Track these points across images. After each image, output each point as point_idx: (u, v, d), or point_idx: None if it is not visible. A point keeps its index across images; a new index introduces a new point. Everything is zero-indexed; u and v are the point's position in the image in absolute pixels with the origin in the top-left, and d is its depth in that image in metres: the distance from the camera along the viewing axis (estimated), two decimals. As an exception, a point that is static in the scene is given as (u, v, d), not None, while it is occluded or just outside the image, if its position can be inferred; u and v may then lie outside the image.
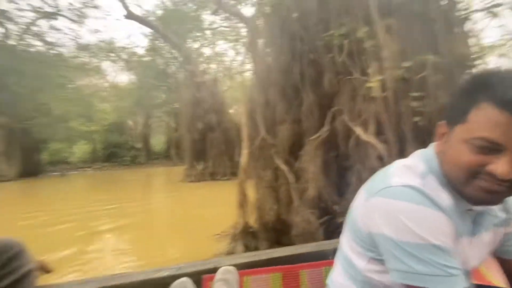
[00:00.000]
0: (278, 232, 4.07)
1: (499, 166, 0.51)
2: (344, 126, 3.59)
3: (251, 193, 4.16)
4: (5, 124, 13.87)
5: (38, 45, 17.21)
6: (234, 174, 14.57)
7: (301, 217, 3.57)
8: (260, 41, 4.64)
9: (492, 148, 0.51)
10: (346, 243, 0.69)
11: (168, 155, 26.96)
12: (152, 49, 23.55)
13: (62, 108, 17.82)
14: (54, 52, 17.82)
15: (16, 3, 15.41)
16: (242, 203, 4.03)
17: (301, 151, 3.94)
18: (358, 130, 3.40)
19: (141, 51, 23.73)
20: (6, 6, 15.59)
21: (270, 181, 4.01)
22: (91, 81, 25.77)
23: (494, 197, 0.54)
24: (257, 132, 4.15)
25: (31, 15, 16.17)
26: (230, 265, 0.88)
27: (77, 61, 19.84)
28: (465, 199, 0.58)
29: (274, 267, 0.94)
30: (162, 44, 23.22)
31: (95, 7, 16.86)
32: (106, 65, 24.66)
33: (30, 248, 0.80)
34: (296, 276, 0.94)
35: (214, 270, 0.88)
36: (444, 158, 0.59)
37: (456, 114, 0.57)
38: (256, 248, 4.05)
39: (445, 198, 0.57)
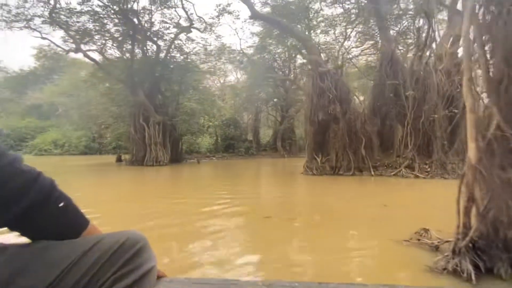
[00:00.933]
0: (527, 254, 2.99)
1: None
2: None
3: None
4: (161, 121, 17.39)
5: (178, 56, 20.82)
6: (358, 169, 13.32)
7: None
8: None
9: None
10: None
11: (275, 147, 28.12)
12: (262, 47, 24.69)
13: (193, 107, 21.15)
14: (188, 60, 21.17)
15: (166, 23, 18.95)
16: (468, 209, 3.16)
17: None
18: None
19: (250, 50, 25.24)
20: (158, 26, 19.43)
21: (515, 185, 2.96)
22: (208, 82, 29.56)
23: None
24: (490, 119, 3.14)
25: (174, 30, 19.56)
26: None
27: (204, 65, 23.03)
28: None
29: None
30: (270, 40, 24.05)
31: (229, 12, 18.93)
32: (224, 66, 27.63)
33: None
34: None
35: None
36: None
37: None
38: (490, 270, 3.12)
39: None
